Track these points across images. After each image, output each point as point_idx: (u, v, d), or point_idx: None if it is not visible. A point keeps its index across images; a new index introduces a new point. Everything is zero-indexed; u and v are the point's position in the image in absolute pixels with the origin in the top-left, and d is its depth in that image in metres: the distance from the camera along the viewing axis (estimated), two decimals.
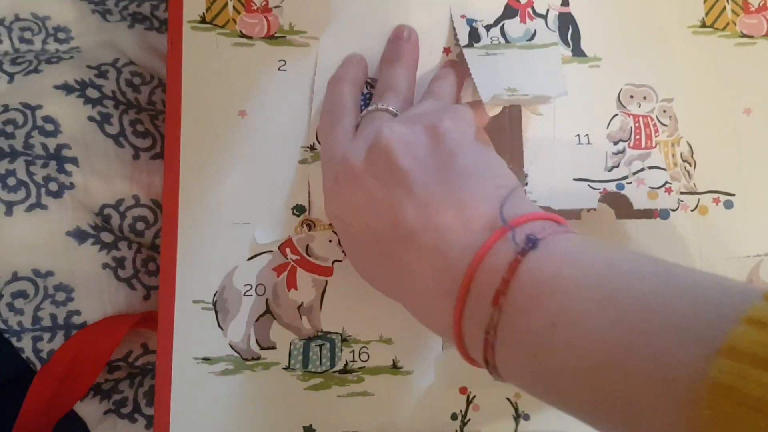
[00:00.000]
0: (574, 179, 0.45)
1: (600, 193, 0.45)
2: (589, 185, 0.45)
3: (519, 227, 0.31)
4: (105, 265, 0.47)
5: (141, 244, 0.49)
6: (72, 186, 0.47)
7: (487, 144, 0.37)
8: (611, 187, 0.45)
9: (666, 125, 0.46)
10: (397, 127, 0.36)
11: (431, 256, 0.32)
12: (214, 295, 0.43)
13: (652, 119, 0.46)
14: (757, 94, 0.46)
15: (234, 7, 0.45)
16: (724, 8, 0.47)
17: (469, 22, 0.45)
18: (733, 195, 0.45)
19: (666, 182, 0.45)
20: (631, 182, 0.45)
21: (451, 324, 0.32)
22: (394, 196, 0.34)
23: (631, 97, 0.46)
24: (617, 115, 0.46)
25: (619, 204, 0.45)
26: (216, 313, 0.43)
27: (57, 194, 0.46)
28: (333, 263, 0.43)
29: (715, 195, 0.45)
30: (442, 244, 0.32)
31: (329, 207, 0.39)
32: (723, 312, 0.24)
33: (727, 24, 0.47)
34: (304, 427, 0.42)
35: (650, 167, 0.45)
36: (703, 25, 0.47)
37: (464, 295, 0.31)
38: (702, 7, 0.47)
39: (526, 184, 0.45)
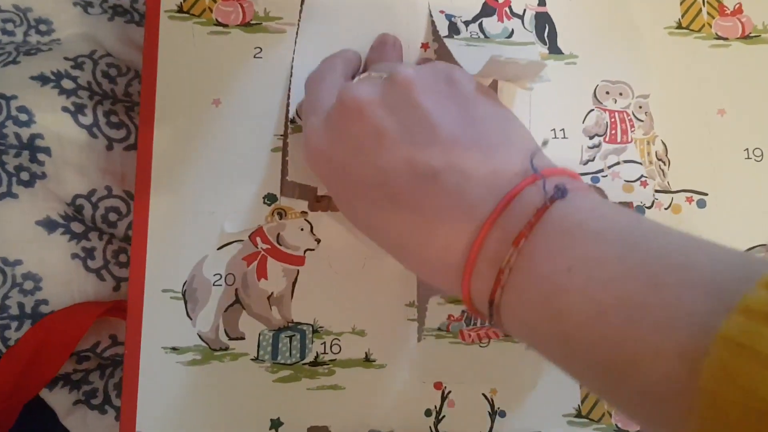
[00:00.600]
0: None
1: None
2: None
3: (549, 177, 0.31)
4: (74, 255, 0.46)
5: (113, 236, 0.49)
6: (44, 176, 0.46)
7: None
8: (586, 180, 0.45)
9: (642, 120, 0.46)
10: (411, 69, 0.35)
11: (452, 196, 0.31)
12: (184, 284, 0.42)
13: (628, 114, 0.46)
14: (731, 96, 0.47)
15: None
16: (700, 10, 0.48)
17: (448, 17, 0.45)
18: (706, 195, 0.45)
19: (641, 176, 0.45)
20: (606, 175, 0.45)
21: (462, 262, 0.31)
22: (416, 134, 0.33)
23: (607, 93, 0.46)
24: (593, 110, 0.46)
25: None
26: (185, 302, 0.42)
27: (28, 183, 0.46)
28: (305, 252, 0.43)
29: (689, 194, 0.45)
30: (467, 184, 0.31)
31: (316, 145, 0.36)
32: (741, 275, 0.24)
33: (703, 26, 0.48)
34: (271, 420, 0.42)
35: (626, 161, 0.45)
36: (679, 26, 0.47)
37: (485, 234, 0.30)
38: (678, 9, 0.48)
39: None
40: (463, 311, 0.40)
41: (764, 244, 0.45)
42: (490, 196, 0.31)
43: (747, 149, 0.46)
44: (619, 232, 0.28)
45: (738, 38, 0.48)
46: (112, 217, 0.48)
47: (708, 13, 0.48)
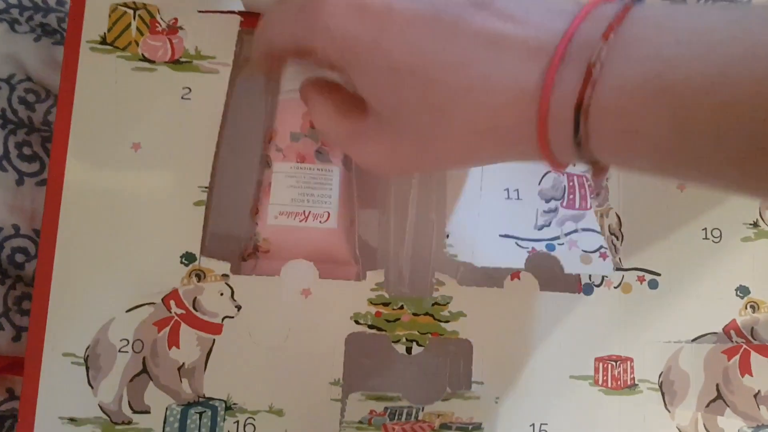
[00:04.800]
0: (500, 235, 0.42)
1: (528, 252, 0.42)
2: (516, 243, 0.42)
3: None
4: None
5: (19, 278, 0.45)
6: None
7: None
8: (540, 246, 0.42)
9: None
10: None
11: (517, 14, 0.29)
12: (87, 348, 0.39)
13: (587, 179, 0.43)
14: None
15: (138, 28, 0.41)
16: None
17: None
18: (659, 275, 0.43)
19: (601, 247, 0.42)
20: (562, 243, 0.42)
21: (540, 83, 0.27)
22: None
23: None
24: (549, 171, 0.43)
25: (548, 265, 0.42)
26: (87, 369, 0.38)
27: None
28: (223, 320, 0.39)
29: (641, 273, 0.43)
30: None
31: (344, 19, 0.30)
32: None
33: None
34: None
35: (584, 229, 0.42)
36: None
37: (570, 37, 0.27)
38: None
39: (447, 236, 0.41)
40: (386, 408, 0.37)
41: (716, 332, 0.43)
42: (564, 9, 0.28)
43: (705, 228, 0.44)
44: (720, 9, 0.26)
45: None
46: (19, 258, 0.44)
47: None
